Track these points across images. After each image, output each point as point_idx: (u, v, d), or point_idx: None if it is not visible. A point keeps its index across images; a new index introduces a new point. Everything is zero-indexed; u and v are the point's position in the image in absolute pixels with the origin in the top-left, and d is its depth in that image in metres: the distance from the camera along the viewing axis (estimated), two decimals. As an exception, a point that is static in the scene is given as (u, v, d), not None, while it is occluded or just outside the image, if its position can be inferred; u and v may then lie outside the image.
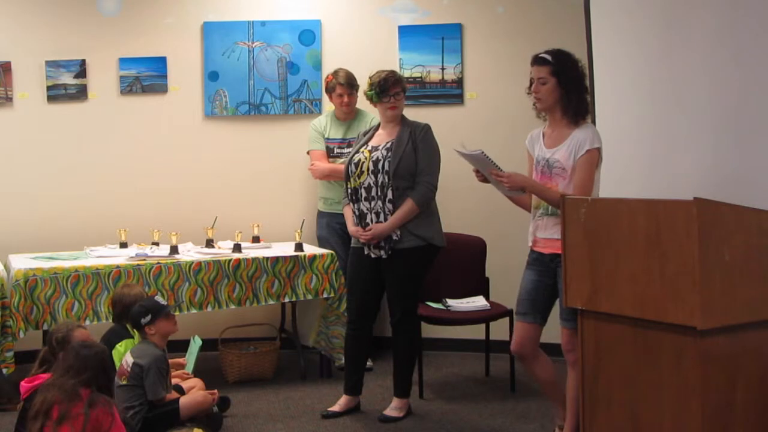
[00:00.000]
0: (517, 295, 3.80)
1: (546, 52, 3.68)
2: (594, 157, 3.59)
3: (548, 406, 4.44)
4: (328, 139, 5.30)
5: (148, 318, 4.00)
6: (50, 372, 3.46)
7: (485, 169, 3.70)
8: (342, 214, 4.58)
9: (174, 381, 4.19)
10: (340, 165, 5.14)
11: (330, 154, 5.29)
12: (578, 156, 3.59)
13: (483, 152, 3.64)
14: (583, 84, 3.71)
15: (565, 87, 3.63)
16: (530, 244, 3.79)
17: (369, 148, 4.33)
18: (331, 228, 5.29)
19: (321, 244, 5.34)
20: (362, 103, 4.92)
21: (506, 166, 3.81)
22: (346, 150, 5.20)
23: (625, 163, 4.09)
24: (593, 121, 4.25)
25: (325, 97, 5.50)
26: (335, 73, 5.27)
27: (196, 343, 4.46)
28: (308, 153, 5.38)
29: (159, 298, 4.18)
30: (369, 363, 4.97)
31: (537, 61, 3.69)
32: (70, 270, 4.54)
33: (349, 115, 5.31)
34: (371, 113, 5.14)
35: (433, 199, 4.30)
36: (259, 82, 5.66)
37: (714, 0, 3.65)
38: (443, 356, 5.47)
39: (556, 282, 3.64)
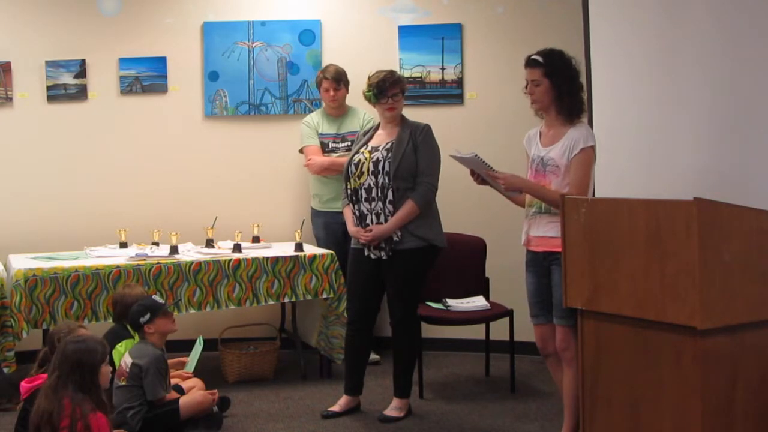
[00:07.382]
0: (524, 297, 3.84)
1: (538, 54, 3.69)
2: (589, 156, 3.61)
3: (548, 407, 4.44)
4: (321, 134, 5.29)
5: (147, 317, 4.00)
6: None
7: (481, 171, 3.72)
8: (337, 212, 4.57)
9: (174, 381, 4.19)
10: (338, 158, 5.13)
11: (325, 149, 5.27)
12: (572, 155, 3.61)
13: (477, 155, 3.68)
14: (576, 82, 3.71)
15: (559, 87, 3.65)
16: (523, 242, 3.80)
17: (369, 148, 4.32)
18: (327, 227, 5.29)
19: (318, 244, 5.34)
20: (357, 100, 4.90)
21: (507, 166, 3.84)
22: (341, 144, 5.20)
23: (625, 163, 4.09)
24: (591, 121, 4.26)
25: (323, 95, 5.52)
26: (324, 68, 5.30)
27: (200, 344, 4.47)
28: (301, 151, 5.35)
29: (157, 297, 4.19)
30: (376, 356, 4.98)
31: (529, 63, 3.71)
32: (70, 270, 4.54)
33: (339, 110, 5.31)
34: (363, 109, 5.14)
35: (433, 200, 4.30)
36: (259, 82, 5.66)
37: None
38: (443, 356, 5.47)
39: (550, 280, 3.65)
